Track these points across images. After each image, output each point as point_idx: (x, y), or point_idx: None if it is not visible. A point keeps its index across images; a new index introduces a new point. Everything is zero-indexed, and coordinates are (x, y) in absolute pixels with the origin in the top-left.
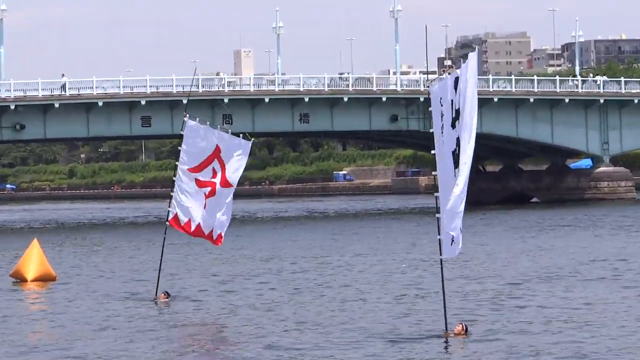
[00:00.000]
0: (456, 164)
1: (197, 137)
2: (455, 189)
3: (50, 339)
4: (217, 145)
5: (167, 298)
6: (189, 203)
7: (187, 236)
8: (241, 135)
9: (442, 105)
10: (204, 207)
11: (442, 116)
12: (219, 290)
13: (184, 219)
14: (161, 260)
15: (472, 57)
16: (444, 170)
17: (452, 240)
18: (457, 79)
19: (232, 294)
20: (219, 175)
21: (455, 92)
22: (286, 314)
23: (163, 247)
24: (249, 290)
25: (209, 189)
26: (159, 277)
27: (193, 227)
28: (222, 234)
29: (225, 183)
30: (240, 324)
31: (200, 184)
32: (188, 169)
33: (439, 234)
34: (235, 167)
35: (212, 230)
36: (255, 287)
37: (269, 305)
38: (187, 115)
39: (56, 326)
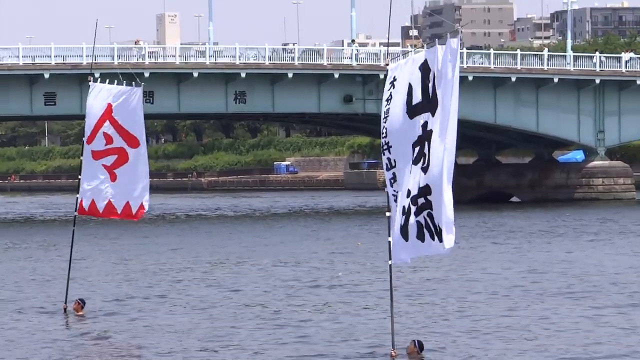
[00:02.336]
0: (422, 159)
1: (94, 100)
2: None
3: None
4: (108, 103)
5: (82, 308)
6: (93, 182)
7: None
8: (134, 82)
9: (393, 87)
10: (112, 180)
11: (389, 99)
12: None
13: (87, 202)
14: (70, 261)
15: (455, 41)
16: (400, 161)
17: (408, 242)
18: (425, 62)
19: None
20: (118, 138)
21: (421, 76)
22: (201, 332)
23: (72, 246)
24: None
25: (112, 157)
26: (68, 282)
27: (102, 208)
28: (144, 204)
29: (132, 142)
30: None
31: (95, 155)
32: (86, 142)
33: (389, 236)
34: (135, 120)
35: (127, 204)
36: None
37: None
38: (91, 79)
39: None
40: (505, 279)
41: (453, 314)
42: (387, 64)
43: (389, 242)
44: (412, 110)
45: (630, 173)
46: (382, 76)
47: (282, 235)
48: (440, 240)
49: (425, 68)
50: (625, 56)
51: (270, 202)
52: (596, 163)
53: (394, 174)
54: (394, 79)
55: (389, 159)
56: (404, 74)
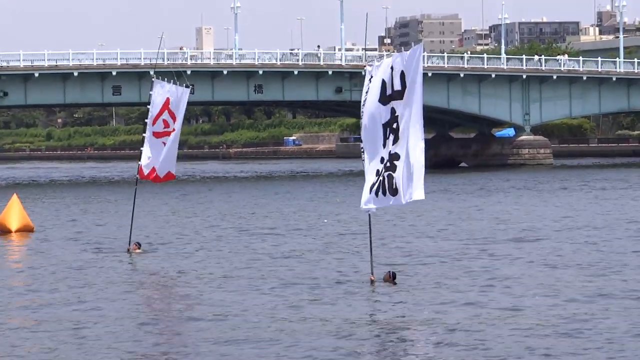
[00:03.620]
0: (394, 134)
1: (157, 93)
2: (383, 152)
3: (25, 284)
4: (167, 97)
5: (139, 249)
6: (150, 153)
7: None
8: (184, 84)
9: (370, 83)
10: (162, 155)
11: (367, 92)
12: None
13: (148, 169)
14: (133, 213)
15: (419, 47)
16: (370, 137)
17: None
18: (394, 63)
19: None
20: (171, 125)
21: (391, 74)
22: (219, 270)
23: (134, 201)
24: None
25: (165, 138)
26: (131, 229)
27: (154, 174)
28: (173, 172)
29: (174, 129)
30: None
31: (156, 134)
32: (151, 124)
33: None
34: (180, 111)
35: (166, 172)
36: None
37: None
38: (154, 76)
39: (31, 274)
40: (450, 224)
41: (421, 252)
42: (365, 66)
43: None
44: (384, 99)
45: (548, 145)
46: (364, 73)
47: (288, 192)
48: (395, 195)
49: (394, 68)
50: (561, 58)
51: (281, 167)
52: (524, 137)
53: (362, 148)
54: (371, 77)
55: (364, 136)
56: (379, 72)
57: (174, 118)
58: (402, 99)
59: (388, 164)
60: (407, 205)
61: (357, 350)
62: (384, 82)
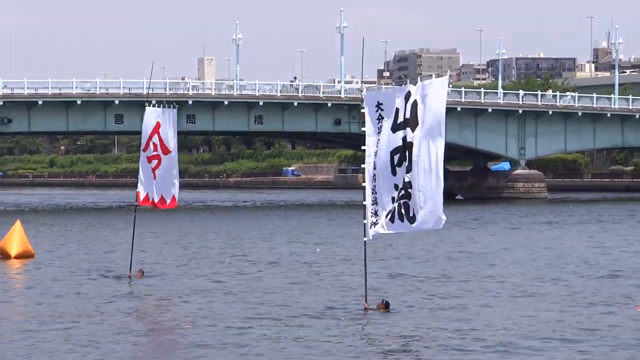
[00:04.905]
0: (400, 163)
1: (148, 119)
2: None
3: (26, 313)
4: (157, 121)
5: (142, 275)
6: (145, 179)
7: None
8: (171, 105)
9: (382, 110)
10: (154, 179)
11: (380, 119)
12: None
13: (143, 194)
14: (133, 239)
15: (444, 80)
16: (378, 163)
17: (373, 224)
18: (409, 93)
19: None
20: (159, 146)
21: (406, 103)
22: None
23: (134, 228)
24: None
25: (155, 162)
26: (131, 255)
27: (150, 199)
28: (175, 197)
29: (165, 150)
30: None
31: (148, 159)
32: (142, 149)
33: (364, 219)
34: (170, 135)
35: (161, 197)
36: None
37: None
38: (147, 104)
39: (32, 302)
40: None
41: (416, 282)
42: (362, 90)
43: (364, 223)
44: (396, 127)
45: (543, 179)
46: (362, 105)
47: (286, 220)
48: (412, 222)
49: (407, 97)
50: (549, 93)
51: (279, 197)
52: (519, 171)
53: (374, 174)
54: (380, 104)
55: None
56: (391, 100)
57: (160, 142)
58: (413, 127)
59: (403, 192)
60: (405, 235)
61: None
62: (397, 110)
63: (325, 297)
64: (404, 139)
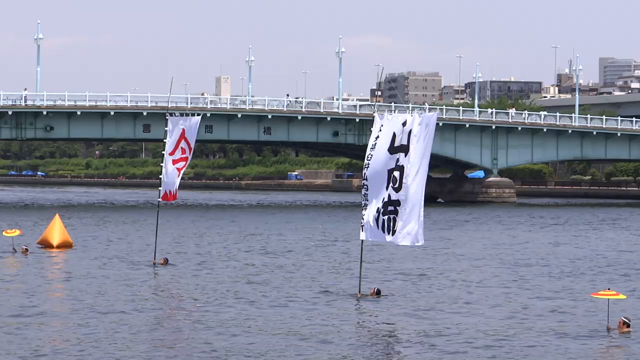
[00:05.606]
0: (395, 182)
1: (173, 127)
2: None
3: (64, 294)
4: (182, 128)
5: (165, 263)
6: (167, 178)
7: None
8: (195, 114)
9: (380, 131)
10: (177, 177)
11: (377, 138)
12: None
13: (163, 192)
14: (157, 231)
15: (433, 116)
16: (374, 179)
17: (371, 226)
18: (405, 122)
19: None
20: (187, 150)
21: (402, 129)
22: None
23: (157, 221)
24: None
25: (182, 163)
26: (156, 245)
27: (170, 196)
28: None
29: (190, 152)
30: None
31: (174, 162)
32: (169, 153)
33: (362, 220)
34: (192, 138)
35: (172, 192)
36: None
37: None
38: (168, 114)
39: (70, 285)
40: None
41: (404, 273)
42: (373, 113)
43: (361, 224)
44: (393, 149)
45: (513, 185)
46: (357, 120)
47: (290, 216)
48: (393, 235)
49: (404, 124)
50: (511, 111)
51: (284, 198)
52: (492, 179)
53: (366, 185)
54: (382, 126)
55: (370, 175)
56: (390, 124)
57: (188, 145)
58: (405, 153)
59: (390, 208)
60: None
61: (344, 355)
62: (394, 134)
63: (325, 284)
64: (397, 160)
